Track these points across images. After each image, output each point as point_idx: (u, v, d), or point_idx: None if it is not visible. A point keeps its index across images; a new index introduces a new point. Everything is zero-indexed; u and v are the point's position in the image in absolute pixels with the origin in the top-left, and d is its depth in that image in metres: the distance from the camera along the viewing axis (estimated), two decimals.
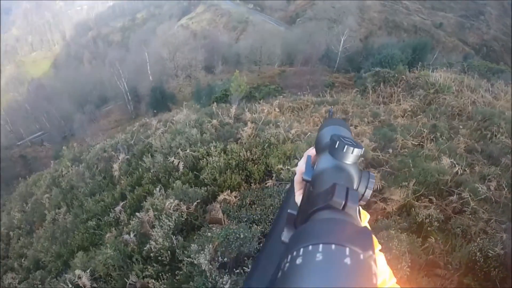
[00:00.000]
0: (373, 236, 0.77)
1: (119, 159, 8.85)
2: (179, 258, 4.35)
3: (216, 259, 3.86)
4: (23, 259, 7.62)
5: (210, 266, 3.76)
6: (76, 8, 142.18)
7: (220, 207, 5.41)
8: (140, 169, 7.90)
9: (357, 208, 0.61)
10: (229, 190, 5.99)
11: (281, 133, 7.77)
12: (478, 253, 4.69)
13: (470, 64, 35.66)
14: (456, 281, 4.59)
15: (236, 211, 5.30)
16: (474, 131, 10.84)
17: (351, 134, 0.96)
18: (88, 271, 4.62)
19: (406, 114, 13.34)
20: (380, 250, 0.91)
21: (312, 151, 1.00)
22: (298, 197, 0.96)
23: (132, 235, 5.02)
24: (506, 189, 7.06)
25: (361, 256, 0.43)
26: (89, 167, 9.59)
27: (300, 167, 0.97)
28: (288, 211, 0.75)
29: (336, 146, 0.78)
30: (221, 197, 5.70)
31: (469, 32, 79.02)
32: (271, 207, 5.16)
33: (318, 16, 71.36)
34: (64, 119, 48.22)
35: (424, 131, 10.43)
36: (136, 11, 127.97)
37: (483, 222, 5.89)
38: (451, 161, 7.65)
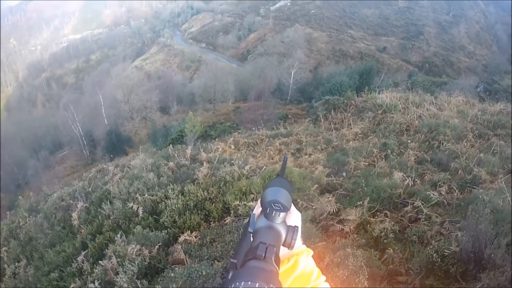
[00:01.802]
0: (315, 269, 1.23)
1: (77, 208, 8.83)
2: None
3: None
4: None
5: None
6: (30, 48, 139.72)
7: (181, 248, 5.59)
8: (99, 217, 7.94)
9: (273, 257, 0.96)
10: (189, 231, 6.18)
11: (236, 171, 8.10)
12: (434, 255, 4.95)
13: (414, 81, 37.64)
14: (419, 284, 4.82)
15: (198, 250, 5.48)
16: (422, 143, 11.50)
17: (287, 194, 1.25)
18: None
19: (357, 137, 13.95)
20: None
21: (257, 210, 1.27)
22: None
23: (97, 283, 5.11)
24: (457, 191, 7.45)
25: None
26: (47, 217, 9.50)
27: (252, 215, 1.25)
28: (231, 260, 1.03)
29: (267, 212, 1.12)
30: (181, 238, 5.89)
31: (411, 52, 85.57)
32: (231, 243, 5.38)
33: (268, 52, 73.70)
34: (17, 166, 46.30)
35: (374, 151, 11.03)
36: (90, 53, 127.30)
37: (437, 226, 6.20)
38: (402, 175, 8.11)
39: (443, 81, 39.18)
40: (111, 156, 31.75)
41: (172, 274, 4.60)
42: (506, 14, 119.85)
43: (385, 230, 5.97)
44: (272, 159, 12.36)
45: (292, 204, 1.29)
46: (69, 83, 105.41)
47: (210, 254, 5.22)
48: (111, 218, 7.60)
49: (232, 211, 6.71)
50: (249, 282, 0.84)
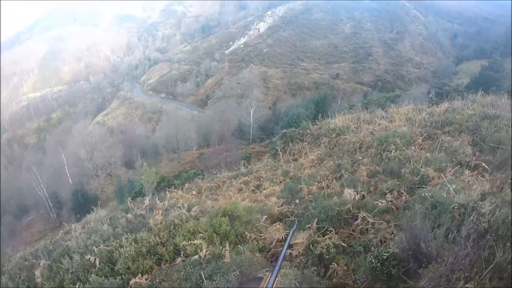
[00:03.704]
0: None
1: (40, 266, 9.17)
2: None
3: None
4: None
5: None
6: None
7: None
8: (61, 272, 8.36)
9: None
10: (140, 274, 6.73)
11: (184, 213, 8.75)
12: (374, 260, 5.00)
13: (369, 100, 38.91)
14: None
15: None
16: (374, 157, 11.67)
17: None
18: None
19: (314, 164, 14.26)
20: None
21: None
22: None
23: None
24: (405, 194, 7.65)
25: None
26: (12, 278, 9.68)
27: None
28: None
29: None
30: (132, 281, 6.45)
31: (363, 73, 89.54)
32: (178, 280, 5.94)
33: (226, 94, 75.53)
34: None
35: (328, 174, 11.30)
36: (51, 111, 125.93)
37: (382, 232, 6.36)
38: (352, 191, 8.24)
39: (396, 95, 40.74)
40: (78, 216, 31.34)
41: None
42: (445, 21, 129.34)
43: (326, 247, 6.19)
44: (231, 198, 12.63)
45: None
46: (31, 144, 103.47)
47: None
48: (71, 271, 8.03)
49: (182, 252, 7.20)
50: None
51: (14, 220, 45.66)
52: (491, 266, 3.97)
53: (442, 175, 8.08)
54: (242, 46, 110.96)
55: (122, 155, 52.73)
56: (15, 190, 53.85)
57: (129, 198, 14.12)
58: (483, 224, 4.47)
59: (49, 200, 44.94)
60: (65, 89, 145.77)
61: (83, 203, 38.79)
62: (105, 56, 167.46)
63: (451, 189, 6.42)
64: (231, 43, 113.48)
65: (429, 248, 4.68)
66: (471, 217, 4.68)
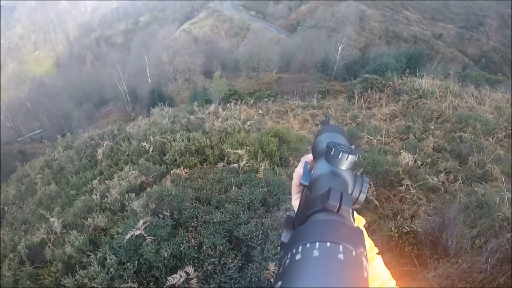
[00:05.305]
0: (370, 240, 1.01)
1: (103, 146, 10.08)
2: (126, 208, 5.60)
3: (150, 207, 5.04)
4: (13, 223, 8.85)
5: (141, 209, 4.94)
6: (80, 8, 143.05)
7: (170, 177, 6.64)
8: (118, 153, 9.17)
9: (350, 210, 0.68)
10: (182, 167, 7.21)
11: (237, 124, 9.03)
12: (393, 229, 4.84)
13: (468, 75, 35.98)
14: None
15: (182, 182, 6.48)
16: (448, 133, 11.11)
17: (345, 140, 1.04)
18: (60, 220, 5.88)
19: (385, 117, 13.78)
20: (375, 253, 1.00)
21: (309, 157, 1.07)
22: (295, 201, 1.03)
23: (98, 195, 6.29)
24: (460, 181, 7.36)
25: (353, 253, 0.52)
26: (78, 152, 10.75)
27: (298, 171, 1.03)
28: (287, 213, 0.81)
29: (332, 153, 0.86)
30: (173, 170, 6.94)
31: (469, 43, 79.49)
32: (211, 180, 6.29)
33: (318, 25, 71.97)
34: (63, 117, 49.38)
35: (394, 132, 11.05)
36: (140, 14, 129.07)
37: (417, 207, 6.21)
38: (408, 155, 8.07)
39: (498, 79, 36.67)
40: (151, 113, 33.05)
41: (148, 189, 5.66)
42: None
43: None
44: (293, 126, 12.58)
45: None
46: (117, 43, 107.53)
47: (190, 185, 6.16)
48: (126, 154, 8.79)
49: (225, 158, 7.52)
50: (328, 244, 0.53)
51: (93, 108, 49.29)
52: None
53: (506, 181, 7.42)
54: None
55: (203, 64, 53.21)
56: (98, 83, 57.95)
57: (196, 102, 14.55)
58: None
59: (127, 95, 47.94)
60: None
61: (158, 102, 40.54)
62: None
63: (507, 197, 5.88)
64: None
65: (450, 242, 4.41)
66: (509, 235, 4.36)
